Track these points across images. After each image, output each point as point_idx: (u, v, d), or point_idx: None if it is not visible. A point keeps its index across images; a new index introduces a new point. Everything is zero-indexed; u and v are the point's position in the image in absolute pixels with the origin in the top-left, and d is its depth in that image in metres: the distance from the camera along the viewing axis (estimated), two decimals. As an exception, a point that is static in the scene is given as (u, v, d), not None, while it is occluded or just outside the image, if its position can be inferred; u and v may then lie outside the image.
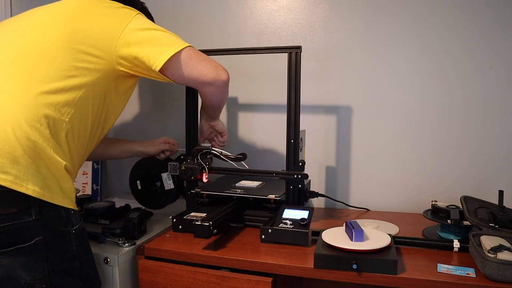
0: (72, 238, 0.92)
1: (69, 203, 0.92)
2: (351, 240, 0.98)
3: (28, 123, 0.88)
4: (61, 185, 0.91)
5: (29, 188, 0.84)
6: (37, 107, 0.90)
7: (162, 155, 1.39)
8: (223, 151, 1.24)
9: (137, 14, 1.05)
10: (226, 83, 1.09)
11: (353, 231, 0.98)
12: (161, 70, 1.02)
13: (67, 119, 0.94)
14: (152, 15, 1.34)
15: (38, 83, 0.92)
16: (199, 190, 1.32)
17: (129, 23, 1.01)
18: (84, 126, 1.00)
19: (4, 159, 0.84)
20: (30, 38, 0.97)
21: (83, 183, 1.74)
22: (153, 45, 1.01)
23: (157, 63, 1.00)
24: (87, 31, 0.98)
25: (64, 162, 0.92)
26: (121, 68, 1.03)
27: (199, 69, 1.04)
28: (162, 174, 1.35)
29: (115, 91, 1.07)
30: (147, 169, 1.38)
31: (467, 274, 0.91)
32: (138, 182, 1.38)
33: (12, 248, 0.82)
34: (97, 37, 0.99)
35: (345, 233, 1.04)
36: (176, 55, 1.02)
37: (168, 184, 1.35)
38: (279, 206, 1.20)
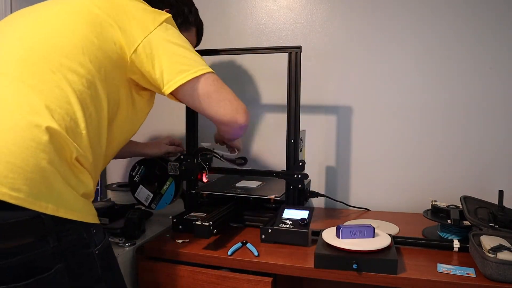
0: (96, 259, 0.84)
1: (90, 218, 0.83)
2: (338, 236, 1.00)
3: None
4: (79, 198, 0.82)
5: (42, 206, 0.74)
6: None
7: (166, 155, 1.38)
8: (224, 153, 1.24)
9: (163, 21, 0.94)
10: (242, 127, 0.99)
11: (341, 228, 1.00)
12: (173, 93, 0.93)
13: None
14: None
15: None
16: (199, 190, 1.32)
17: (152, 32, 0.91)
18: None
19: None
20: (44, 35, 0.85)
21: (83, 183, 1.74)
22: (169, 63, 0.91)
23: (168, 86, 0.91)
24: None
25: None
26: (133, 77, 0.95)
27: (216, 110, 0.95)
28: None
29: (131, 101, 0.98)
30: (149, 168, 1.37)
31: (467, 274, 0.91)
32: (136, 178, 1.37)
33: (32, 280, 0.73)
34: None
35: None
36: (193, 82, 0.92)
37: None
38: (279, 206, 1.20)
